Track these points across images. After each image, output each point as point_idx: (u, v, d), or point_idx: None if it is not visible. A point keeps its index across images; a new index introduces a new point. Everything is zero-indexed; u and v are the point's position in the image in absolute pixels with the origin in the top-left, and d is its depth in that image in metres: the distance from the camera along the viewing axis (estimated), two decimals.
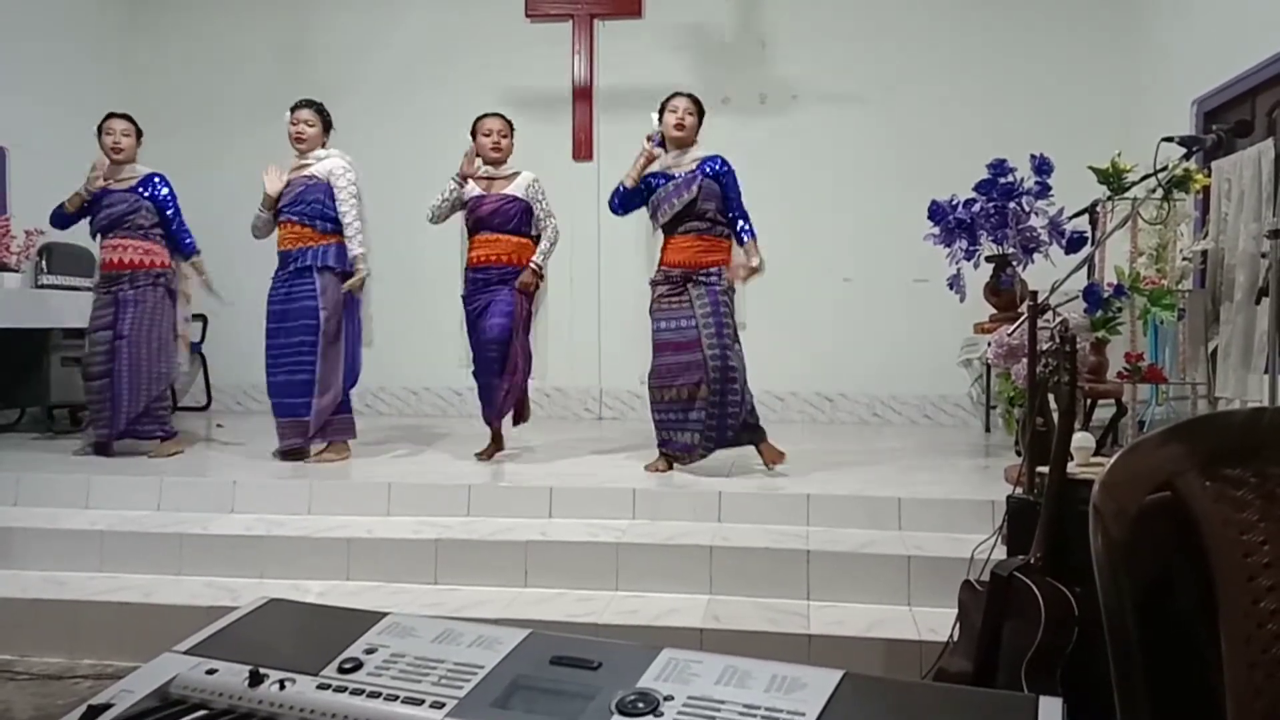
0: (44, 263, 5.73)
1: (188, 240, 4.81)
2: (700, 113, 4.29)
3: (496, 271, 4.40)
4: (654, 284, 4.24)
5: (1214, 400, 4.21)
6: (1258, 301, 3.75)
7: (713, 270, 4.12)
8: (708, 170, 4.18)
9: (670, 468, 4.21)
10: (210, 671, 1.35)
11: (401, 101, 6.61)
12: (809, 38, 6.49)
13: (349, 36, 6.84)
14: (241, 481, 3.91)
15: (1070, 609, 2.02)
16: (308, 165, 4.55)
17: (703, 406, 4.05)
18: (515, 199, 4.44)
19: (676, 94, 4.30)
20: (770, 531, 3.45)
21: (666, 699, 1.23)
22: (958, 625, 2.39)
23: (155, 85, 6.92)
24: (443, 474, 4.19)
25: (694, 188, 4.11)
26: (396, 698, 1.27)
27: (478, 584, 3.33)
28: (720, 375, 4.03)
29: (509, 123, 4.55)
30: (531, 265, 4.41)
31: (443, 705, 1.25)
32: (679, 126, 4.18)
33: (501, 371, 4.39)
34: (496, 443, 4.62)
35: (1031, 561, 2.14)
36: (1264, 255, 3.65)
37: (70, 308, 5.46)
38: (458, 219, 4.63)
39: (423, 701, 1.26)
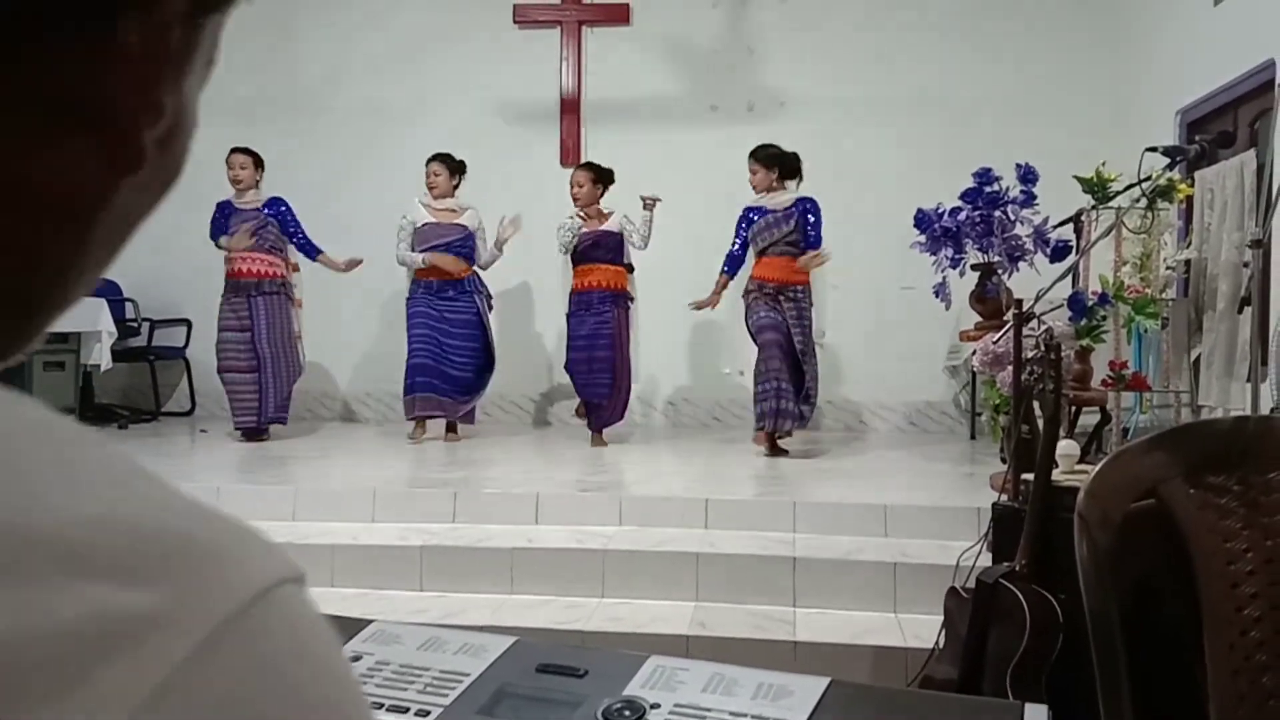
0: None
1: (311, 246, 5.46)
2: (775, 162, 4.97)
3: (597, 295, 5.17)
4: (748, 293, 5.00)
5: (1197, 408, 4.24)
6: (1240, 310, 3.79)
7: (799, 287, 4.93)
8: (801, 208, 4.96)
9: (774, 448, 4.89)
10: None
11: (389, 108, 6.60)
12: (796, 46, 6.51)
13: (335, 43, 6.82)
14: (225, 489, 3.89)
15: (1055, 616, 2.03)
16: (454, 214, 5.36)
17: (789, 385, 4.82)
18: (610, 233, 5.20)
19: (751, 152, 5.04)
20: (757, 538, 3.45)
21: (653, 707, 1.23)
22: (943, 632, 2.40)
23: None
24: (428, 480, 4.18)
25: (792, 222, 4.93)
26: (381, 705, 1.26)
27: (463, 591, 3.32)
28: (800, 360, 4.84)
29: (591, 171, 5.26)
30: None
31: (428, 713, 1.25)
32: (752, 183, 4.99)
33: (608, 385, 5.14)
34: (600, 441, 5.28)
35: (1017, 568, 2.14)
36: (1246, 265, 3.69)
37: None
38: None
39: (408, 709, 1.25)
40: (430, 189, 5.34)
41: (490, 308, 5.50)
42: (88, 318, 5.62)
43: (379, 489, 3.84)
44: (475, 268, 5.40)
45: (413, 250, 5.32)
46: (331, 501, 3.81)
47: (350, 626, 1.52)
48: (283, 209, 5.43)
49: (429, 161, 5.38)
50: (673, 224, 6.26)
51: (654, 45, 6.59)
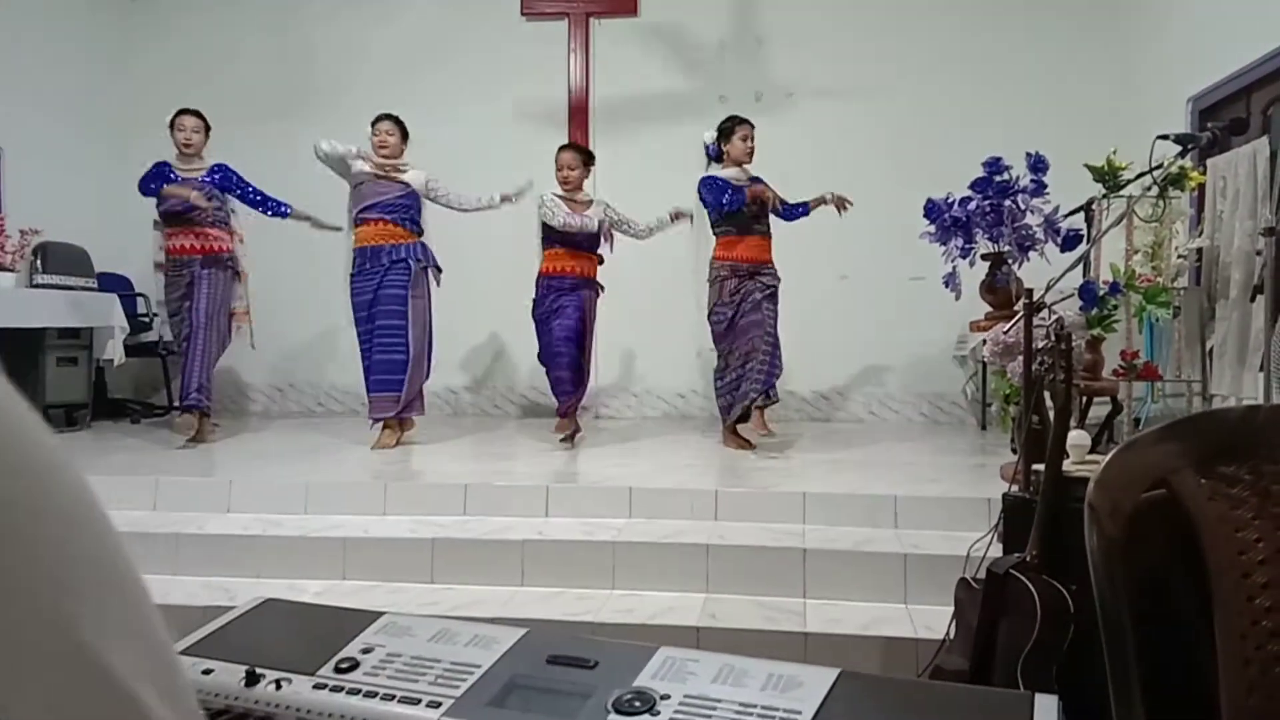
0: (39, 262, 5.72)
1: (275, 202, 5.21)
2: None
3: (570, 280, 5.02)
4: (720, 279, 4.85)
5: (1209, 397, 4.22)
6: (1253, 299, 3.76)
7: (771, 267, 4.92)
8: (761, 183, 4.89)
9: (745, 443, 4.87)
10: (206, 671, 1.35)
11: (397, 100, 6.57)
12: (804, 36, 6.49)
13: (344, 35, 6.83)
14: (238, 481, 3.91)
15: (1066, 606, 2.03)
16: (398, 172, 5.00)
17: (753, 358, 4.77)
18: (588, 219, 5.03)
19: (748, 120, 4.92)
20: (767, 530, 3.45)
21: (663, 698, 1.24)
22: (954, 623, 2.40)
23: (150, 85, 6.91)
24: (439, 473, 4.19)
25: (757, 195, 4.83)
26: (393, 697, 1.27)
27: (474, 583, 3.33)
28: (769, 349, 4.77)
29: (581, 153, 5.14)
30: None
31: (439, 705, 1.25)
32: (750, 149, 4.88)
33: (573, 366, 5.02)
34: (573, 424, 5.15)
35: (1027, 559, 2.14)
36: (1259, 253, 3.66)
37: (65, 307, 5.46)
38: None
39: (419, 701, 1.26)
40: (380, 148, 4.95)
41: (438, 282, 5.08)
42: (100, 313, 5.66)
43: (390, 482, 3.86)
44: (421, 238, 5.01)
45: (350, 212, 4.97)
46: (342, 494, 3.83)
47: (362, 619, 1.53)
48: (230, 173, 5.14)
49: (379, 121, 5.00)
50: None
51: (662, 36, 6.58)
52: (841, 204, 4.99)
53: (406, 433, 5.12)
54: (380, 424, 4.97)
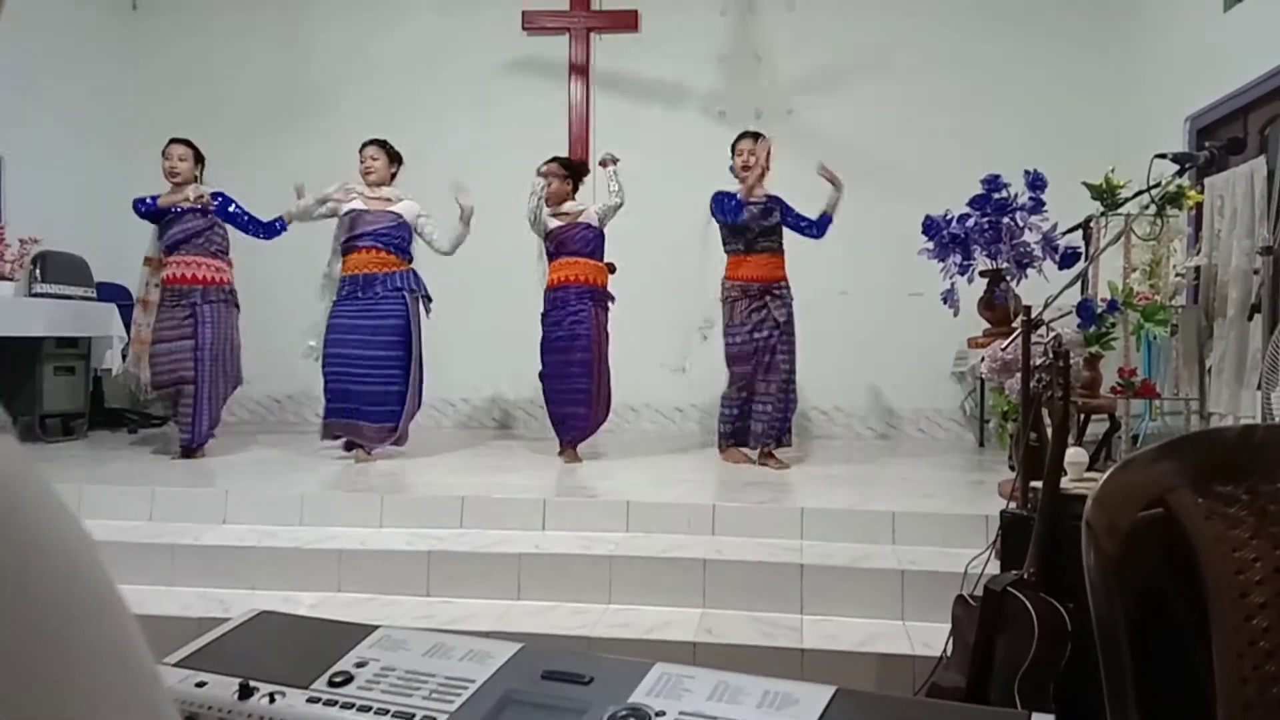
0: (38, 271, 5.72)
1: (269, 225, 5.12)
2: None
3: (574, 291, 4.84)
4: (732, 300, 4.82)
5: (1206, 416, 4.22)
6: (1250, 317, 3.77)
7: (783, 284, 4.87)
8: (777, 204, 4.89)
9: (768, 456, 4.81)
10: (200, 684, 1.35)
11: (399, 108, 6.62)
12: (804, 53, 6.52)
13: (346, 44, 6.86)
14: (234, 492, 3.90)
15: (1063, 624, 2.02)
16: (389, 202, 4.96)
17: (769, 400, 4.75)
18: (588, 226, 4.94)
19: (751, 133, 4.90)
20: (764, 545, 3.44)
21: (658, 714, 1.23)
22: (951, 640, 2.39)
23: (152, 93, 6.93)
24: (436, 485, 4.18)
25: (774, 217, 4.85)
26: (387, 712, 1.27)
27: (470, 597, 3.32)
28: (783, 393, 4.76)
29: (562, 166, 4.99)
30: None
31: (433, 719, 1.25)
32: (751, 164, 4.79)
33: (588, 401, 4.87)
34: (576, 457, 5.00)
35: (1025, 576, 2.14)
36: (1256, 272, 3.68)
37: (64, 316, 5.45)
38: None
39: (413, 716, 1.26)
40: (366, 174, 4.91)
41: (428, 311, 4.98)
42: (99, 323, 5.65)
43: (386, 494, 3.85)
44: (411, 265, 4.96)
45: (335, 245, 4.93)
46: (338, 506, 3.82)
47: (357, 632, 1.52)
48: (230, 200, 5.07)
49: (365, 146, 4.97)
50: (681, 229, 6.26)
51: (662, 52, 6.60)
52: (830, 177, 4.90)
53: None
54: (347, 444, 4.92)
